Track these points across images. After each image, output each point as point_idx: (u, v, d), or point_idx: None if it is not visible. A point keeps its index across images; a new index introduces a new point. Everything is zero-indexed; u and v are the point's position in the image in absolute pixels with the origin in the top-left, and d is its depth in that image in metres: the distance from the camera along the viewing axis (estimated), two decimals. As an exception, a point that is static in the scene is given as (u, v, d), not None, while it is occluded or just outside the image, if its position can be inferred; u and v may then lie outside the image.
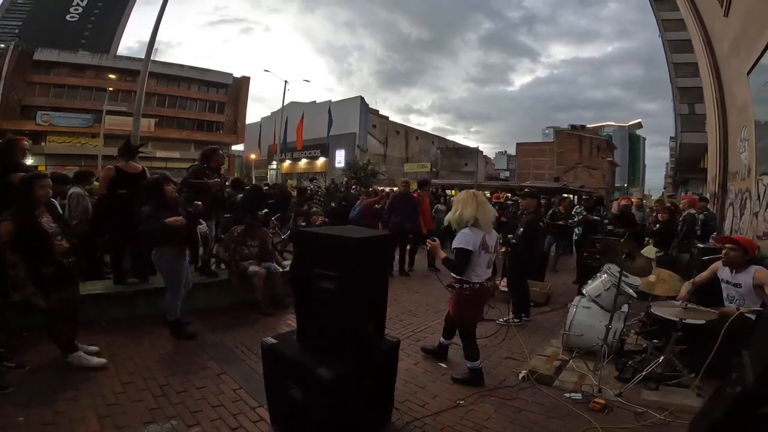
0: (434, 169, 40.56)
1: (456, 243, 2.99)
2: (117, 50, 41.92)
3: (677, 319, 2.97)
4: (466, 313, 3.15)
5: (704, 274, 3.65)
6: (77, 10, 55.29)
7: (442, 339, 3.61)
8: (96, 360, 3.13)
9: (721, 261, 3.45)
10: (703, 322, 2.97)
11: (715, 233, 6.87)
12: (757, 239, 6.05)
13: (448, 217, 3.13)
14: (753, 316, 3.03)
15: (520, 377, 3.29)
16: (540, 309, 5.24)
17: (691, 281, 3.68)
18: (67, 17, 53.99)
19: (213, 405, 2.71)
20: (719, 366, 2.47)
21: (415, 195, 7.23)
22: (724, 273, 3.45)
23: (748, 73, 6.91)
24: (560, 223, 7.71)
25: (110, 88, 34.52)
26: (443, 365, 3.52)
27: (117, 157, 4.41)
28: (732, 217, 8.04)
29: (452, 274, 3.08)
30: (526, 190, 5.64)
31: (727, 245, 3.40)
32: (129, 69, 35.21)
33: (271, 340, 2.38)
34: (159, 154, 36.81)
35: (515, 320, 4.65)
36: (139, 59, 10.88)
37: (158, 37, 11.00)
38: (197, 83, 42.78)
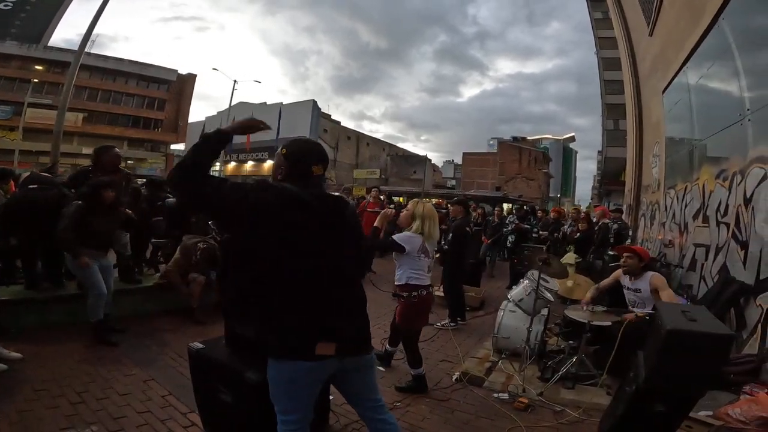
0: (383, 176, 41.01)
1: (397, 236, 3.19)
2: (49, 41, 38.57)
3: (586, 321, 3.29)
4: (412, 322, 3.25)
5: (608, 281, 4.03)
6: (12, -2, 49.86)
7: (387, 346, 3.66)
8: None
9: (621, 269, 3.82)
10: (609, 323, 3.30)
11: (629, 241, 7.61)
12: (664, 247, 6.80)
13: (415, 228, 3.18)
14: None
15: (453, 379, 3.45)
16: (475, 313, 5.52)
17: (595, 287, 4.06)
18: (1, 6, 48.55)
19: (139, 411, 2.63)
20: (627, 365, 2.69)
21: (363, 204, 7.37)
22: (625, 280, 3.81)
23: (663, 91, 7.56)
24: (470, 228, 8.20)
25: (35, 80, 31.65)
26: (381, 368, 3.59)
27: None
28: (644, 226, 8.96)
29: (395, 283, 3.20)
30: (455, 198, 5.99)
31: (625, 254, 3.79)
32: (59, 60, 32.49)
33: (198, 344, 2.37)
34: (85, 150, 33.95)
35: (451, 324, 4.87)
36: (71, 51, 10.18)
37: (102, 30, 10.46)
38: (136, 78, 40.18)
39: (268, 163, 39.32)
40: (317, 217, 1.58)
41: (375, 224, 3.07)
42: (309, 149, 1.71)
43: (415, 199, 3.37)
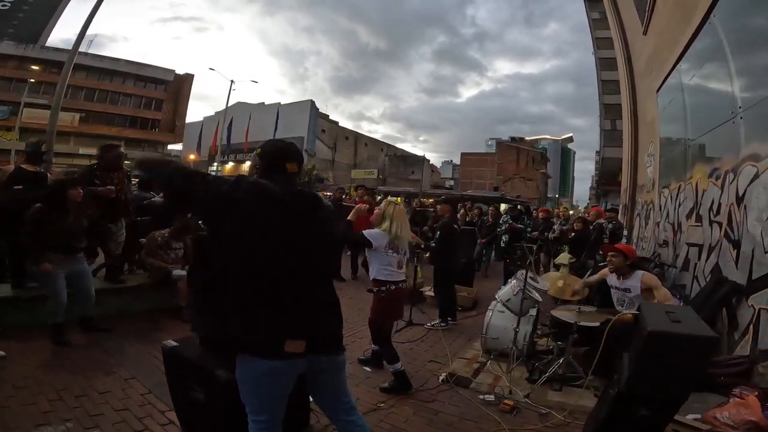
0: (381, 176, 40.93)
1: (366, 232, 3.28)
2: (46, 41, 38.52)
3: (573, 322, 3.23)
4: (382, 316, 3.29)
5: (594, 277, 4.01)
6: (9, -2, 49.63)
7: (373, 346, 3.60)
8: None
9: (608, 268, 3.77)
10: (597, 324, 3.23)
11: (624, 240, 7.57)
12: (658, 246, 6.75)
13: (383, 227, 3.28)
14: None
15: (440, 380, 3.41)
16: (467, 313, 5.47)
17: (582, 281, 4.04)
18: (-2, 6, 48.36)
19: (117, 408, 2.62)
20: (614, 367, 2.66)
21: (350, 201, 7.34)
22: (612, 279, 3.76)
23: (657, 90, 7.48)
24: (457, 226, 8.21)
25: (32, 80, 31.64)
26: (367, 369, 3.56)
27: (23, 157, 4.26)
28: (639, 226, 8.91)
29: (371, 278, 3.28)
30: (443, 197, 5.98)
31: (609, 252, 3.75)
32: (55, 60, 32.41)
33: (172, 342, 2.37)
34: (82, 150, 33.91)
35: (442, 324, 4.82)
36: (68, 51, 10.11)
37: (101, 30, 10.44)
38: (133, 78, 40.18)
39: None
40: (293, 213, 1.60)
41: (348, 217, 3.16)
42: (282, 147, 1.77)
43: (388, 199, 3.55)
